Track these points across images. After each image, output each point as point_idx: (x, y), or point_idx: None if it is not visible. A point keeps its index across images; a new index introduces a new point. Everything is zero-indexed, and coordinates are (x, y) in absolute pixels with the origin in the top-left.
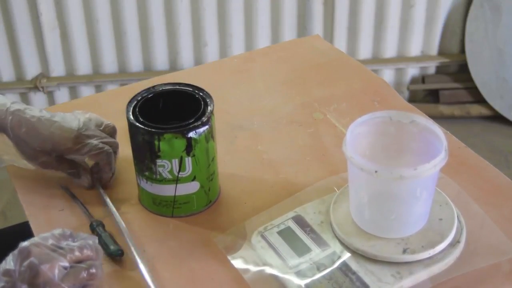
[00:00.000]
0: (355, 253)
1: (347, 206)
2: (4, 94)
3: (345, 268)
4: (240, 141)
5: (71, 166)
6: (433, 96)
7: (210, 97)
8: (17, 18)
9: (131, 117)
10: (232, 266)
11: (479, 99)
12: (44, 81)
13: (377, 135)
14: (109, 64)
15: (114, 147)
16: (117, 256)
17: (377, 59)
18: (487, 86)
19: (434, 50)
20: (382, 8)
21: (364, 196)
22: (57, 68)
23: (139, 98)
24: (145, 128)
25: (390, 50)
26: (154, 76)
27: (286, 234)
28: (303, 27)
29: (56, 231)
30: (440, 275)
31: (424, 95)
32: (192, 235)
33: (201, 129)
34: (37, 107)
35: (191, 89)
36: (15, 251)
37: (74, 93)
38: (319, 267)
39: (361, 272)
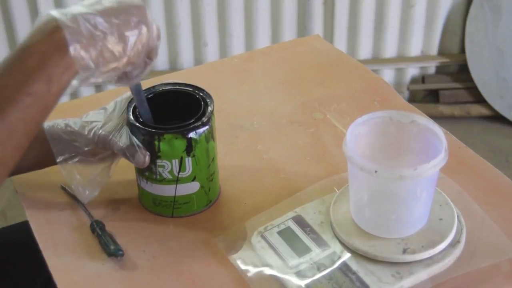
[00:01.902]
0: (355, 253)
1: (347, 206)
2: None
3: (345, 268)
4: (240, 141)
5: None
6: (433, 96)
7: (210, 97)
8: (17, 18)
9: (131, 117)
10: (232, 266)
11: (479, 99)
12: None
13: (377, 135)
14: None
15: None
16: (117, 256)
17: (377, 59)
18: (487, 86)
19: (434, 50)
20: (382, 8)
21: (364, 196)
22: None
23: None
24: (145, 128)
25: (390, 50)
26: (154, 76)
27: (286, 234)
28: (303, 27)
29: None
30: (440, 275)
31: (424, 95)
32: (192, 235)
33: (201, 130)
34: None
35: (191, 89)
36: None
37: (74, 93)
38: (319, 267)
39: (361, 272)
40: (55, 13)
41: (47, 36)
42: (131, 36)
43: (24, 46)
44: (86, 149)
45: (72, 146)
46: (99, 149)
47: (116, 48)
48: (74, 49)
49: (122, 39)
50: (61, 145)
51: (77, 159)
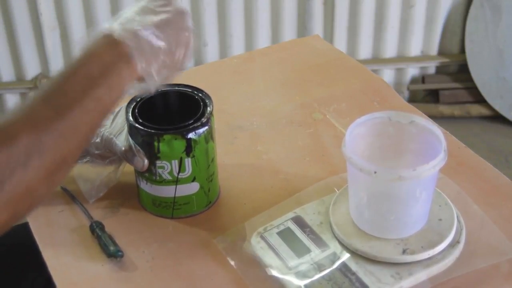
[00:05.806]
0: (354, 253)
1: (347, 207)
2: (4, 94)
3: (344, 268)
4: (240, 141)
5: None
6: (433, 96)
7: (209, 97)
8: (17, 18)
9: (131, 118)
10: (231, 267)
11: (479, 99)
12: (44, 81)
13: (376, 135)
14: None
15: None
16: (117, 257)
17: (377, 59)
18: (487, 86)
19: (434, 50)
20: (382, 8)
21: (364, 197)
22: (57, 68)
23: (138, 99)
24: (145, 129)
25: (390, 50)
26: None
27: (286, 235)
28: (303, 27)
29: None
30: (440, 275)
31: (424, 95)
32: (192, 236)
33: (201, 130)
34: None
35: (190, 90)
36: None
37: None
38: (318, 268)
39: (360, 272)
40: (114, 26)
41: (110, 47)
42: (184, 42)
43: (88, 54)
44: (96, 152)
45: None
46: (107, 153)
47: (173, 56)
48: (140, 65)
49: (178, 47)
50: None
51: (86, 159)
